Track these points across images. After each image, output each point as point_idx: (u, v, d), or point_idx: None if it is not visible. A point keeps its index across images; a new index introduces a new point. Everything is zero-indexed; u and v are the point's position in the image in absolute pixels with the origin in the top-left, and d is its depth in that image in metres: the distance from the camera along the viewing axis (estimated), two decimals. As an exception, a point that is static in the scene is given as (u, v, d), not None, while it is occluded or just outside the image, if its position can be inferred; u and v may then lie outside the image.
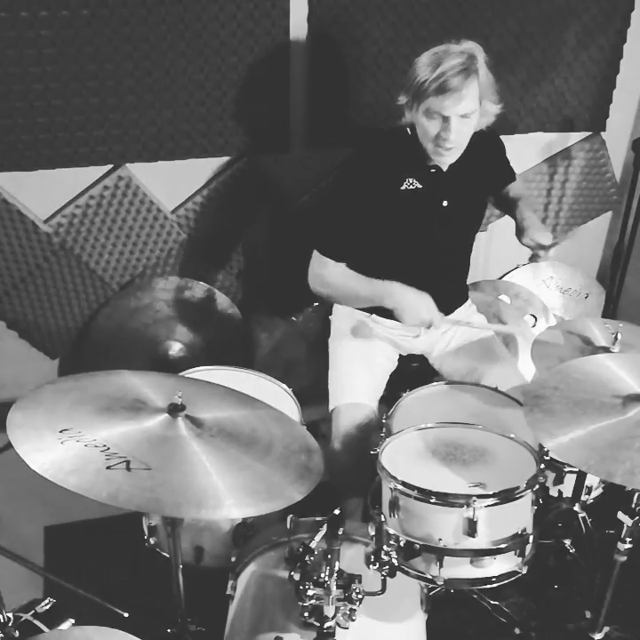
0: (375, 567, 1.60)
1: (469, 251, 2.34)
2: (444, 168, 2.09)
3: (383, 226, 2.12)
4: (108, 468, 1.33)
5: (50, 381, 1.58)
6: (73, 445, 1.36)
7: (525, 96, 2.82)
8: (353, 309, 2.29)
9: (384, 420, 1.95)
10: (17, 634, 1.49)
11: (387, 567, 1.59)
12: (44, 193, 2.50)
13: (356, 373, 2.17)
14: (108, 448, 1.37)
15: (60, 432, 1.38)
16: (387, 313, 2.18)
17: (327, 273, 2.12)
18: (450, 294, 2.23)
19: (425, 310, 2.00)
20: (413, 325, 2.06)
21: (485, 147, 2.16)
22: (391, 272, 2.06)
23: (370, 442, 2.06)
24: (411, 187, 2.09)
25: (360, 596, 1.44)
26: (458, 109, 1.90)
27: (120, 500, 1.27)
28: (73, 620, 1.57)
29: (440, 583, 1.58)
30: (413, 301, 2.01)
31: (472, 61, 1.90)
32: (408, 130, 2.04)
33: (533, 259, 2.12)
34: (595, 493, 2.09)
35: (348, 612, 1.45)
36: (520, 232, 2.13)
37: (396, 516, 1.60)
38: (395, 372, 2.30)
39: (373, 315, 2.26)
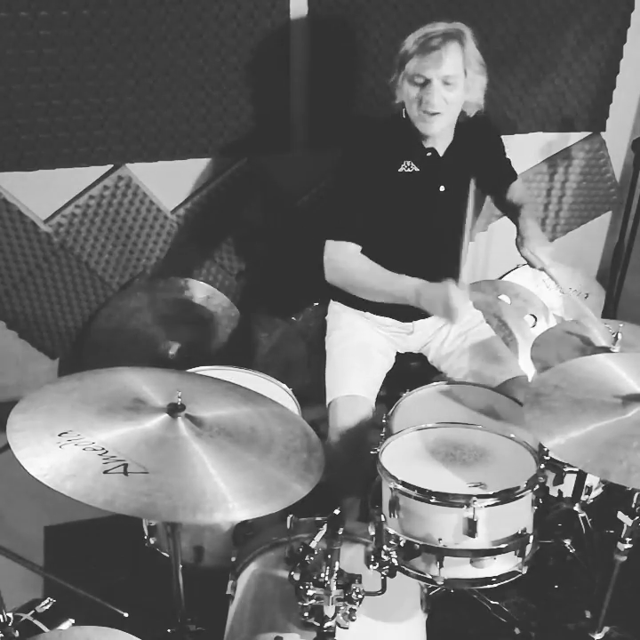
0: (375, 567, 1.60)
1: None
2: (440, 152, 2.11)
3: (382, 209, 2.12)
4: (106, 472, 1.32)
5: (51, 381, 1.58)
6: (71, 449, 1.36)
7: (525, 96, 2.82)
8: (348, 307, 2.29)
9: (384, 420, 1.95)
10: (17, 634, 1.49)
11: (387, 567, 1.59)
12: (44, 193, 2.50)
13: (353, 367, 2.17)
14: (106, 451, 1.36)
15: (59, 435, 1.38)
16: (381, 309, 2.18)
17: (348, 260, 2.06)
18: None
19: (451, 301, 1.92)
20: (446, 320, 1.96)
21: (481, 134, 2.19)
22: (388, 257, 2.05)
23: (367, 436, 2.06)
24: (408, 169, 2.10)
25: (360, 596, 1.44)
26: (439, 72, 1.91)
27: (116, 506, 1.27)
28: (73, 620, 1.57)
29: (440, 583, 1.58)
30: (438, 297, 1.94)
31: (457, 31, 1.94)
32: (403, 112, 2.05)
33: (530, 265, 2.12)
34: (595, 493, 2.09)
35: (347, 612, 1.45)
36: (521, 241, 2.12)
37: (396, 516, 1.60)
38: (394, 371, 2.30)
39: (367, 312, 2.26)
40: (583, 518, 2.11)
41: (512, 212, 2.25)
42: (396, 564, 1.60)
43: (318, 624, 1.44)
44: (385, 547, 1.61)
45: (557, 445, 1.51)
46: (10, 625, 1.49)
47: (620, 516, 1.65)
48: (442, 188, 2.13)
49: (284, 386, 2.10)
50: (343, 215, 2.12)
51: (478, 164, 2.18)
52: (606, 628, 1.84)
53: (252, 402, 1.66)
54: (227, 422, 1.54)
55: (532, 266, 2.09)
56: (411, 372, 2.35)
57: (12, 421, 1.40)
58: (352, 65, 2.58)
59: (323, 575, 1.43)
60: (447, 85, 1.94)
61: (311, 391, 2.23)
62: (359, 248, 2.09)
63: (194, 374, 1.89)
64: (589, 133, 3.03)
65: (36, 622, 1.54)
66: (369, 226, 2.11)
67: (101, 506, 1.26)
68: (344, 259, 2.08)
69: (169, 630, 1.68)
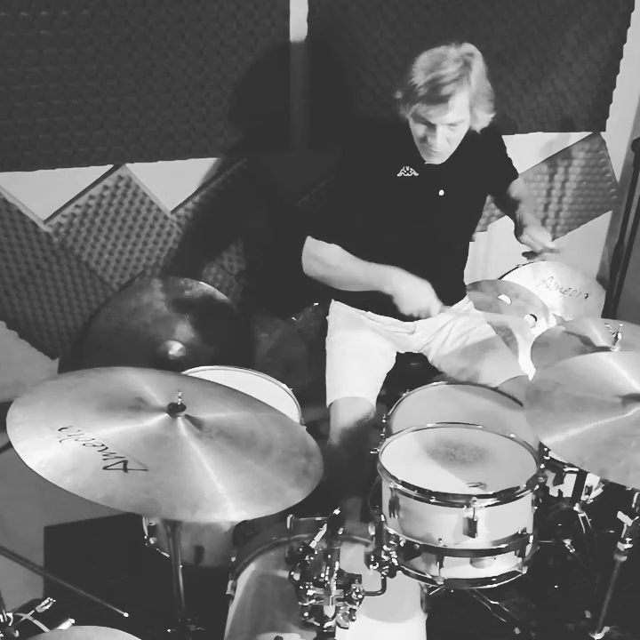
0: (375, 567, 1.60)
1: (467, 245, 2.35)
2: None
3: (380, 213, 2.12)
4: (105, 468, 1.32)
5: (51, 377, 1.57)
6: (71, 444, 1.36)
7: (525, 96, 2.82)
8: (349, 307, 2.29)
9: (384, 420, 1.95)
10: (17, 634, 1.49)
11: (387, 567, 1.59)
12: (44, 193, 2.50)
13: (354, 368, 2.18)
14: (106, 448, 1.37)
15: (59, 430, 1.38)
16: (382, 309, 2.18)
17: (324, 254, 2.08)
18: (446, 288, 2.22)
19: (423, 297, 1.97)
20: (410, 312, 1.99)
21: (484, 142, 2.17)
22: (388, 262, 2.05)
23: (368, 437, 2.06)
24: (407, 174, 2.10)
25: (360, 596, 1.44)
26: (444, 119, 1.91)
27: (116, 502, 1.27)
28: (73, 620, 1.57)
29: (440, 583, 1.58)
30: (412, 288, 1.97)
31: (465, 70, 1.89)
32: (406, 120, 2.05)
33: (529, 256, 2.11)
34: (595, 493, 2.09)
35: (348, 612, 1.45)
36: (519, 230, 2.13)
37: (396, 516, 1.60)
38: (395, 371, 2.30)
39: (369, 311, 2.26)
40: (583, 518, 2.12)
41: (511, 208, 2.25)
42: (396, 564, 1.60)
43: (318, 624, 1.44)
44: (385, 547, 1.61)
45: (556, 443, 1.51)
46: (10, 625, 1.49)
47: (620, 515, 1.65)
48: (441, 193, 2.13)
49: (284, 386, 2.10)
50: (330, 218, 2.15)
51: (479, 167, 2.18)
52: (606, 628, 1.84)
53: (251, 407, 1.66)
54: (226, 425, 1.54)
55: (532, 253, 2.09)
56: (411, 371, 2.35)
57: (13, 415, 1.39)
58: (352, 65, 2.58)
59: (323, 575, 1.43)
60: (452, 127, 1.94)
61: (311, 391, 2.23)
62: (338, 247, 2.10)
63: (194, 377, 1.89)
64: (589, 133, 3.03)
65: (36, 622, 1.54)
66: (363, 231, 2.11)
67: (101, 501, 1.26)
68: (321, 252, 2.09)
69: (169, 630, 1.68)
